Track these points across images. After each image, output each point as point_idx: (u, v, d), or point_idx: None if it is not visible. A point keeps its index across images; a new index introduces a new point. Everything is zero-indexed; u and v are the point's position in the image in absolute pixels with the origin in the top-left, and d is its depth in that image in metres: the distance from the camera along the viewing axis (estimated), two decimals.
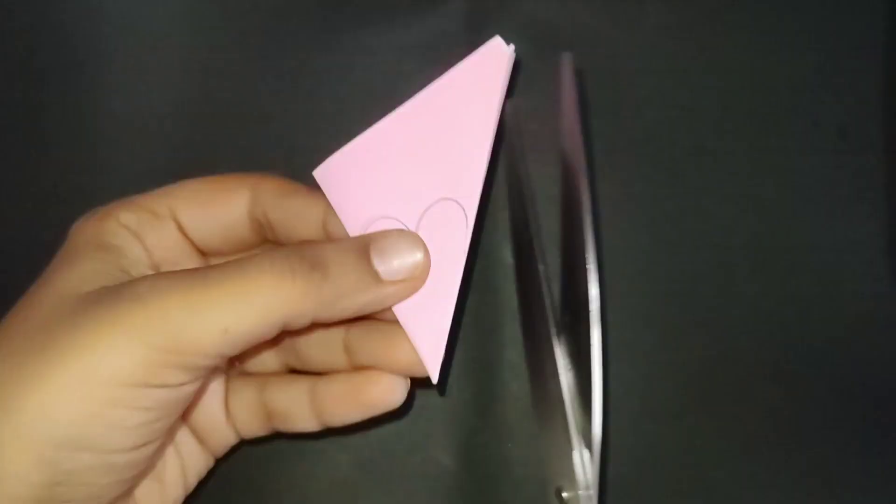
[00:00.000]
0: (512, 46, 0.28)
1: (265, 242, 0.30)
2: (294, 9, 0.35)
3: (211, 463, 0.31)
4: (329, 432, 0.30)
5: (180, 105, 0.35)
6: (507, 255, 0.34)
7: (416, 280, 0.27)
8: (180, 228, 0.29)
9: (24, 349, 0.24)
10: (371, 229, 0.28)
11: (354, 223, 0.29)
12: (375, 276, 0.27)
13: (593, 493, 0.25)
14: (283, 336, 0.26)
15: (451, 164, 0.28)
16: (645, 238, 0.34)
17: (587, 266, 0.25)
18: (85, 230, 0.27)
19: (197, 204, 0.29)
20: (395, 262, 0.27)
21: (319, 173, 0.29)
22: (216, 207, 0.29)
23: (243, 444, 0.32)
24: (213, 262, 0.30)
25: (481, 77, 0.28)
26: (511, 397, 0.33)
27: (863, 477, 0.33)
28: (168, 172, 0.34)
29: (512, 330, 0.33)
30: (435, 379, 0.28)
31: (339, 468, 0.33)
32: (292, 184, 0.29)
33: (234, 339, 0.24)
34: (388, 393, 0.29)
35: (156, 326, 0.23)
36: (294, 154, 0.35)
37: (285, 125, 0.35)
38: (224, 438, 0.31)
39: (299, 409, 0.30)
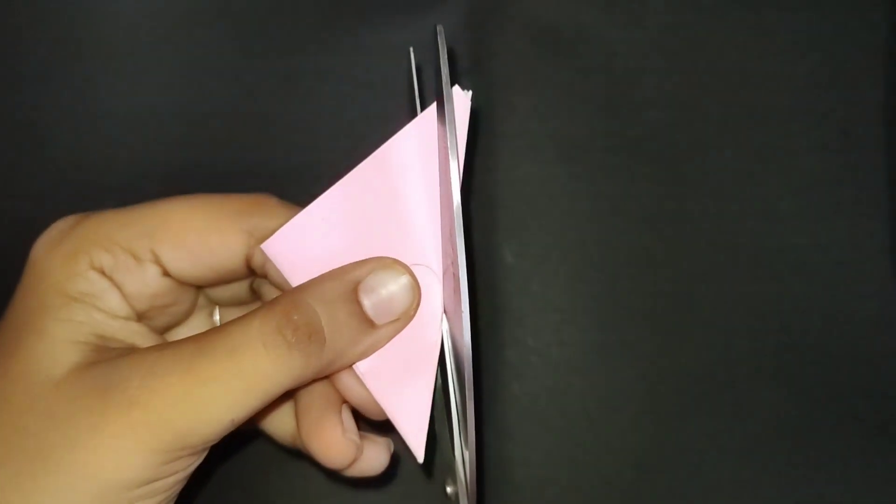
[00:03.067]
0: (470, 93, 0.26)
1: (257, 277, 0.29)
2: (294, 9, 0.35)
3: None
4: None
5: (180, 105, 0.35)
6: (507, 255, 0.34)
7: (408, 317, 0.26)
8: (164, 271, 0.27)
9: (14, 457, 0.23)
10: None
11: None
12: (370, 324, 0.25)
13: (470, 489, 0.26)
14: None
15: (416, 225, 0.26)
16: (645, 238, 0.34)
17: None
18: (51, 270, 0.25)
19: (184, 249, 0.26)
20: (383, 293, 0.25)
21: (269, 247, 0.26)
22: (206, 253, 0.27)
23: (243, 445, 0.32)
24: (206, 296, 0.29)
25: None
26: (511, 397, 0.33)
27: (863, 477, 0.33)
28: (167, 172, 0.35)
29: (511, 330, 0.33)
30: (421, 459, 0.26)
31: None
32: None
33: (240, 422, 0.24)
34: (371, 463, 0.27)
35: (160, 433, 0.23)
36: (294, 154, 0.35)
37: (285, 125, 0.35)
38: None
39: (289, 439, 0.29)
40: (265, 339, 0.23)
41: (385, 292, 0.25)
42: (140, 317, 0.27)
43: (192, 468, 0.25)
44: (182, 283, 0.27)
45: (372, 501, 0.33)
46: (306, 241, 0.26)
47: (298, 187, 0.35)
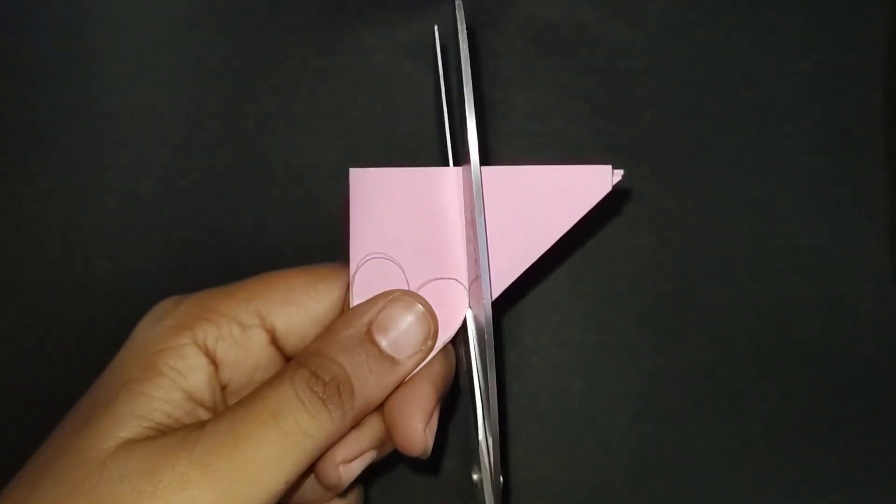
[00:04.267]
0: (621, 172, 0.26)
1: None
2: (293, 9, 0.35)
3: None
4: None
5: (180, 105, 0.35)
6: None
7: (428, 347, 0.26)
8: (272, 337, 0.27)
9: None
10: (367, 265, 0.26)
11: (358, 248, 0.27)
12: (392, 362, 0.25)
13: (494, 475, 0.26)
14: None
15: (459, 242, 0.26)
16: (645, 238, 0.34)
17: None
18: (147, 344, 0.25)
19: (291, 302, 0.27)
20: (397, 328, 0.25)
21: (356, 173, 0.26)
22: (313, 302, 0.27)
23: None
24: None
25: (571, 194, 0.26)
26: (511, 397, 0.33)
27: (862, 476, 0.33)
28: (168, 172, 0.35)
29: (511, 330, 0.33)
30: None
31: None
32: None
33: (291, 483, 0.24)
34: None
35: None
36: (294, 154, 0.35)
37: (285, 125, 0.35)
38: None
39: None
40: (302, 398, 0.24)
41: (398, 327, 0.26)
42: (229, 393, 0.27)
43: None
44: (285, 354, 0.27)
45: (371, 501, 0.33)
46: (384, 192, 0.26)
47: (298, 187, 0.35)
